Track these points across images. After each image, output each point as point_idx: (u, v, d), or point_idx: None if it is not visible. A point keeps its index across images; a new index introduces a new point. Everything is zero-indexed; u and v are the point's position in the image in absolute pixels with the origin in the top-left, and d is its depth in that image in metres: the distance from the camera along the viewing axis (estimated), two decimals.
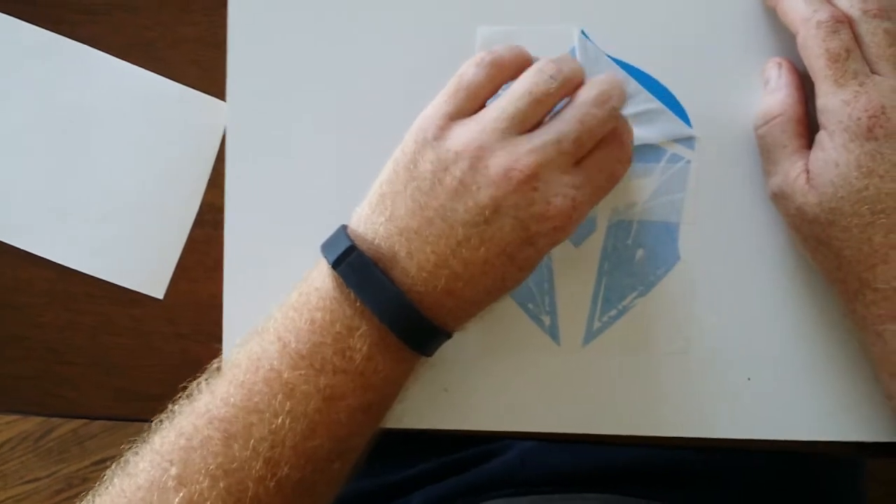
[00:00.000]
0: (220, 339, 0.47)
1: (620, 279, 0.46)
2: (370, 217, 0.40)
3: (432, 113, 0.40)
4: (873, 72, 0.40)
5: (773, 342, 0.46)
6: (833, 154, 0.40)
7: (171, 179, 0.48)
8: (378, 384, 0.40)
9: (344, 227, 0.41)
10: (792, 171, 0.42)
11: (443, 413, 0.46)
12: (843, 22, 0.40)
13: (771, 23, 0.45)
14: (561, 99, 0.41)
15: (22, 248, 0.49)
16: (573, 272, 0.46)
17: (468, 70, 0.41)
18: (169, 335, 0.49)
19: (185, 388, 0.41)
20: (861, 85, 0.40)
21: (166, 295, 0.49)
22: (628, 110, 0.45)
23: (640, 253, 0.46)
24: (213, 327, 0.47)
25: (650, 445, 0.47)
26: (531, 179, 0.38)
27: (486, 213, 0.38)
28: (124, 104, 0.48)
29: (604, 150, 0.41)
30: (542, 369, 0.46)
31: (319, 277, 0.40)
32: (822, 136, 0.41)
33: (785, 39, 0.45)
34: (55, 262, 0.49)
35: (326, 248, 0.40)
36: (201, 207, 0.48)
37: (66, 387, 0.49)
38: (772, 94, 0.44)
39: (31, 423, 1.11)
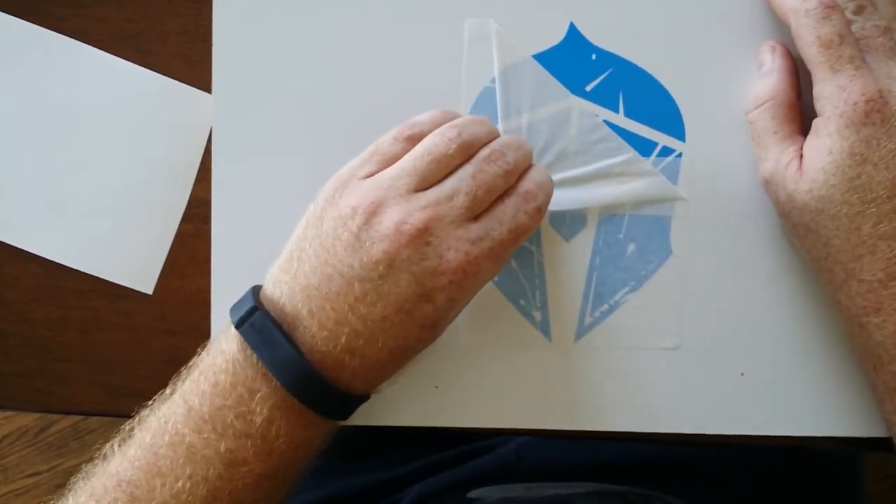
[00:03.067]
0: (208, 335, 0.46)
1: (612, 274, 0.45)
2: (278, 276, 0.40)
3: (344, 173, 0.41)
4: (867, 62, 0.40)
5: (766, 337, 0.45)
6: (827, 141, 0.39)
7: (159, 174, 0.48)
8: (282, 449, 0.39)
9: (254, 288, 0.41)
10: (783, 157, 0.41)
11: (434, 410, 0.46)
12: (834, 7, 0.40)
13: (763, 10, 0.44)
14: (459, 161, 0.40)
15: (9, 243, 0.49)
16: (564, 267, 0.46)
17: (385, 140, 0.41)
18: (158, 331, 0.49)
19: (98, 449, 0.42)
20: (857, 69, 0.39)
21: (155, 290, 0.48)
22: (602, 163, 0.45)
23: (631, 247, 0.46)
24: (202, 322, 0.47)
25: (646, 441, 0.46)
26: (423, 234, 0.38)
27: (381, 268, 0.38)
28: (111, 98, 0.48)
29: (505, 203, 0.40)
30: (533, 365, 0.46)
31: (226, 339, 0.40)
32: (817, 123, 0.40)
33: (779, 26, 0.44)
34: (43, 258, 0.49)
35: (233, 309, 0.40)
36: (190, 202, 0.48)
37: (56, 383, 0.49)
38: (764, 77, 0.43)
39: (30, 418, 1.11)
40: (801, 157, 0.41)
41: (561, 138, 0.45)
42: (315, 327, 0.39)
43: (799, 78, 0.43)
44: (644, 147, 0.45)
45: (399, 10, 0.46)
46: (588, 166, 0.45)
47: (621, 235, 0.46)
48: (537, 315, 0.46)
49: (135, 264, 0.48)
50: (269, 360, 0.38)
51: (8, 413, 1.11)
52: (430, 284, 0.38)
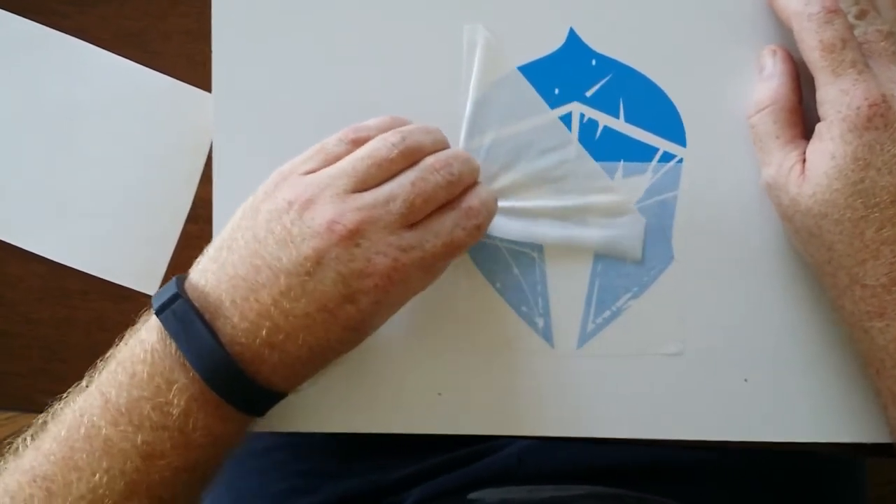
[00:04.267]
0: None
1: (614, 280, 0.45)
2: (206, 265, 0.40)
3: (286, 168, 0.41)
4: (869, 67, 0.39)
5: (769, 342, 0.45)
6: (830, 145, 0.39)
7: (163, 174, 0.48)
8: (200, 442, 0.38)
9: (178, 277, 0.40)
10: (786, 161, 0.41)
11: (437, 417, 0.46)
12: (837, 12, 0.40)
13: (762, 14, 0.44)
14: (401, 167, 0.40)
15: (13, 244, 0.49)
16: (566, 273, 0.45)
17: (331, 140, 0.41)
18: None
19: (11, 443, 0.41)
20: (860, 73, 0.39)
21: None
22: (571, 201, 0.45)
23: None
24: None
25: (648, 445, 0.46)
26: (354, 235, 0.38)
27: (308, 264, 0.38)
28: (114, 98, 0.48)
29: (445, 216, 0.40)
30: (536, 372, 0.46)
31: (146, 329, 0.40)
32: (820, 127, 0.40)
33: (779, 30, 0.44)
34: (47, 259, 0.49)
35: (155, 296, 0.40)
36: (194, 202, 0.48)
37: (60, 384, 0.49)
38: (765, 82, 0.43)
39: (29, 420, 1.11)
40: (804, 161, 0.40)
41: (521, 163, 0.45)
42: (237, 318, 0.38)
43: (800, 82, 0.43)
44: (645, 152, 0.45)
45: (399, 11, 0.45)
46: (550, 200, 0.45)
47: None
48: (540, 322, 0.46)
49: (139, 265, 0.49)
50: (188, 349, 0.38)
51: (11, 414, 1.11)
52: (355, 286, 0.38)
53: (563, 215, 0.45)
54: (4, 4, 0.48)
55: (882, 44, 0.40)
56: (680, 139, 0.45)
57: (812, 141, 0.40)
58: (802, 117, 0.42)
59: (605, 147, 0.45)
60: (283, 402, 0.46)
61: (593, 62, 0.45)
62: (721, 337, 0.45)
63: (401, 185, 0.39)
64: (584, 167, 0.45)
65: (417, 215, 0.40)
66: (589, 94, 0.45)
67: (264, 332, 0.38)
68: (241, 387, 0.39)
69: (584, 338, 0.46)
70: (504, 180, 0.45)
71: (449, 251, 0.40)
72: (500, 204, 0.44)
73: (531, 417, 0.46)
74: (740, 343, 0.45)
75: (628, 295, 0.45)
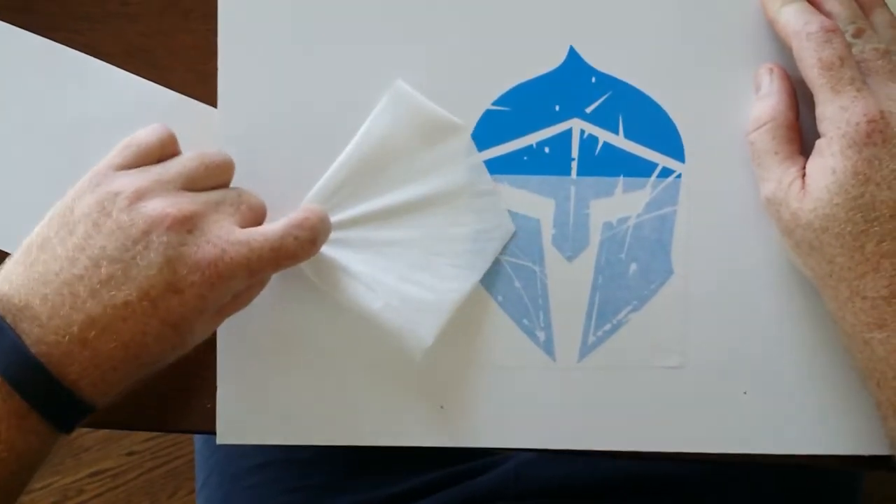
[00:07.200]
0: (213, 348, 0.46)
1: (614, 293, 0.46)
2: (10, 269, 0.39)
3: (100, 166, 0.41)
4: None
5: (769, 355, 0.46)
6: (830, 161, 0.40)
7: None
8: (2, 457, 0.37)
9: None
10: (785, 177, 0.42)
11: (439, 431, 0.46)
12: (835, 31, 0.41)
13: (760, 32, 0.45)
14: (229, 175, 0.43)
15: None
16: (567, 287, 0.46)
17: (142, 132, 0.42)
18: None
19: None
20: (858, 91, 0.40)
21: None
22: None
23: (633, 267, 0.46)
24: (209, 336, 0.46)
25: (646, 458, 0.46)
26: (187, 221, 0.38)
27: (137, 247, 0.38)
28: (122, 113, 0.48)
29: (277, 224, 0.41)
30: (537, 385, 0.46)
31: None
32: (820, 143, 0.41)
33: (778, 47, 0.45)
34: None
35: None
36: None
37: None
38: (762, 99, 0.44)
39: None
40: (803, 176, 0.41)
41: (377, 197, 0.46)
42: (46, 315, 0.37)
43: (797, 99, 0.44)
44: (644, 168, 0.46)
45: (403, 31, 0.46)
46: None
47: (623, 255, 0.46)
48: (541, 335, 0.46)
49: None
50: None
51: None
52: (181, 273, 0.38)
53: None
54: (16, 21, 0.48)
55: (879, 62, 0.41)
56: (679, 155, 0.46)
57: (812, 157, 0.41)
58: (800, 134, 0.43)
59: (604, 162, 0.46)
60: (282, 415, 0.46)
61: (593, 80, 0.46)
62: (721, 350, 0.46)
63: (227, 192, 0.41)
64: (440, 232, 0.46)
65: (248, 218, 0.41)
66: (589, 110, 0.46)
67: (76, 328, 0.37)
68: (46, 388, 0.37)
69: (585, 351, 0.46)
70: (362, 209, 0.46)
71: (276, 257, 0.40)
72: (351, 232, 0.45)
73: (533, 430, 0.46)
74: (740, 356, 0.46)
75: (629, 308, 0.46)
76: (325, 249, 0.44)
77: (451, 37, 0.46)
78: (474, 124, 0.46)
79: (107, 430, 1.06)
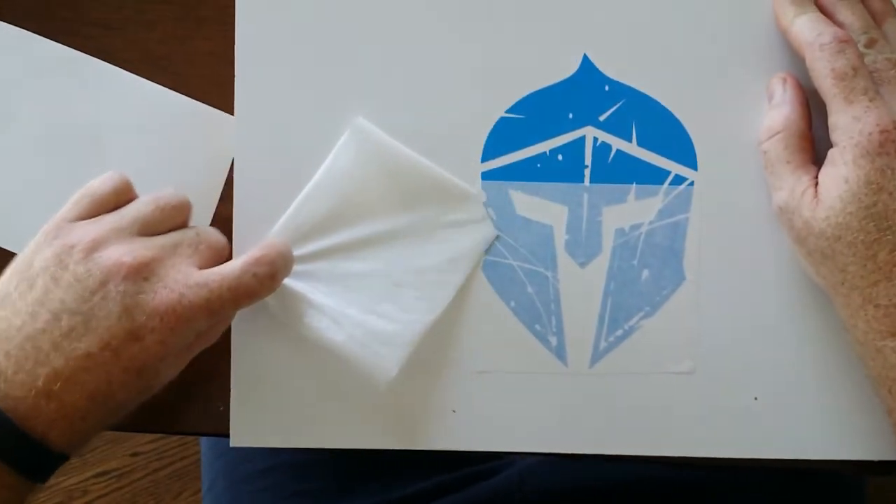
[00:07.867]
0: (228, 352, 0.47)
1: (626, 299, 0.46)
2: None
3: (55, 219, 0.41)
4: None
5: (779, 361, 0.46)
6: (843, 170, 0.40)
7: (186, 193, 0.48)
8: None
9: None
10: (798, 186, 0.42)
11: (452, 434, 0.46)
12: (848, 42, 0.41)
13: (772, 42, 0.46)
14: (187, 215, 0.43)
15: None
16: (579, 293, 0.46)
17: (96, 182, 0.42)
18: None
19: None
20: (871, 101, 0.40)
21: None
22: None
23: (645, 273, 0.46)
24: (223, 340, 0.47)
25: (652, 463, 0.47)
26: (143, 269, 0.39)
27: (95, 298, 0.38)
28: (137, 119, 0.48)
29: (236, 262, 0.41)
30: (549, 390, 0.46)
31: None
32: (833, 153, 0.41)
33: (790, 57, 0.45)
34: None
35: None
36: (214, 221, 0.48)
37: None
38: (775, 109, 0.44)
39: None
40: (816, 185, 0.42)
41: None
42: (11, 370, 0.37)
43: (809, 109, 0.44)
44: (657, 175, 0.46)
45: (419, 39, 0.46)
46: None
47: (635, 262, 0.46)
48: (553, 340, 0.47)
49: None
50: None
51: None
52: (140, 320, 0.38)
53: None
54: (33, 28, 0.49)
55: (892, 72, 0.42)
56: (691, 163, 0.46)
57: (825, 166, 0.42)
58: (813, 143, 0.44)
59: (617, 170, 0.46)
60: (295, 418, 0.46)
61: (606, 88, 0.46)
62: (731, 356, 0.46)
63: (185, 232, 0.42)
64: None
65: (206, 259, 0.41)
66: (602, 118, 0.46)
67: (41, 382, 0.37)
68: (15, 443, 0.37)
69: (597, 356, 0.46)
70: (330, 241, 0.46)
71: (235, 296, 0.40)
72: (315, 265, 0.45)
73: (545, 435, 0.46)
74: (750, 362, 0.46)
75: (640, 314, 0.46)
76: (289, 282, 0.45)
77: (466, 45, 0.46)
78: (488, 131, 0.46)
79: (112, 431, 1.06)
